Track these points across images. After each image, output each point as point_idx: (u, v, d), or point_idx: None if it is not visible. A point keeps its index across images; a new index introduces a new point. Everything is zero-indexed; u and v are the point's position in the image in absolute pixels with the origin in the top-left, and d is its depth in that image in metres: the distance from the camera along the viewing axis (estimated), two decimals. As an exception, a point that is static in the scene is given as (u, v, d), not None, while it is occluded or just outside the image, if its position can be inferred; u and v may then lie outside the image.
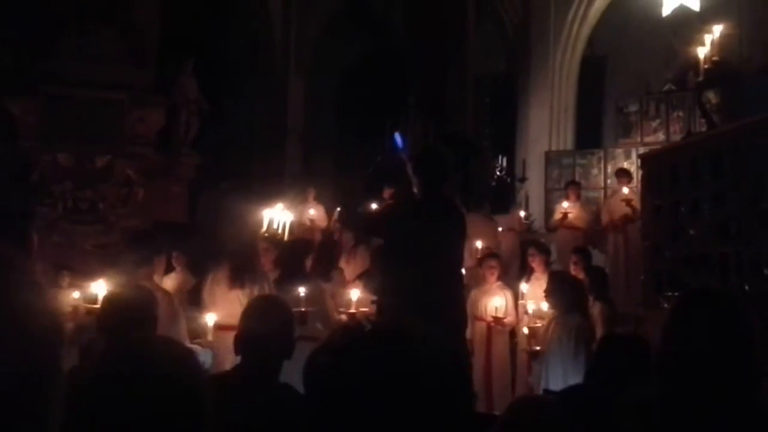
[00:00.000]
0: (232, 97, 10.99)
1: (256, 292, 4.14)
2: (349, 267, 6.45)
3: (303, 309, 4.13)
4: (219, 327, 3.94)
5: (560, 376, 4.12)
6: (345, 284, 5.36)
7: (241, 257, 4.42)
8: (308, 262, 4.90)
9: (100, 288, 3.51)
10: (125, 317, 2.61)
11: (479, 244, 6.52)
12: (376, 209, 6.14)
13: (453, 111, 11.90)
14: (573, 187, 8.63)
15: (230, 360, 2.95)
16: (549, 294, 4.41)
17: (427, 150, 4.75)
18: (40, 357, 0.73)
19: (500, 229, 7.75)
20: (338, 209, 7.32)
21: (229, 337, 2.57)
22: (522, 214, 9.19)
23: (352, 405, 0.93)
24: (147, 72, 8.09)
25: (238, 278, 4.29)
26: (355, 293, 4.44)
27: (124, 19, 7.90)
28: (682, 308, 1.72)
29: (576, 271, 5.45)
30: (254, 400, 2.24)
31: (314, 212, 8.45)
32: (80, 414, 1.10)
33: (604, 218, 8.14)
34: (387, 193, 9.73)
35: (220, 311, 4.12)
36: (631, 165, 9.01)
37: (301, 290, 4.28)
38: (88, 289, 3.63)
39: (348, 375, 0.94)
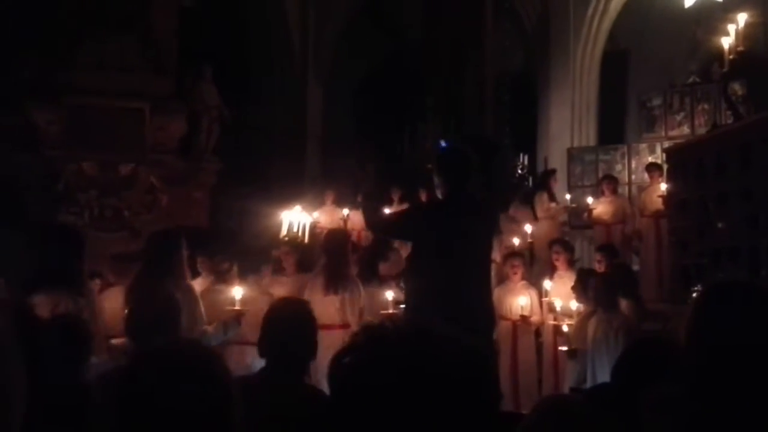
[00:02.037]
0: (251, 103, 11.06)
1: (347, 296, 4.75)
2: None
3: (390, 311, 4.51)
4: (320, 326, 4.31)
5: (608, 374, 4.02)
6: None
7: (334, 267, 4.90)
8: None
9: (237, 292, 3.93)
10: (150, 322, 2.64)
11: (516, 241, 6.53)
12: (394, 211, 6.16)
13: (472, 110, 11.83)
14: (607, 182, 8.52)
15: (326, 356, 3.35)
16: (589, 291, 4.34)
17: (449, 149, 4.72)
18: None
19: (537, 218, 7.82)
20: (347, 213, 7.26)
21: (326, 335, 3.50)
22: (567, 197, 9.09)
23: (375, 405, 0.91)
24: (167, 80, 8.15)
25: (332, 285, 4.80)
26: (390, 294, 4.62)
27: (143, 27, 7.97)
28: (705, 302, 1.67)
29: (600, 268, 5.39)
30: (279, 401, 2.24)
31: (318, 215, 8.32)
32: (111, 418, 1.11)
33: (637, 212, 8.09)
34: (395, 194, 9.72)
35: (318, 314, 4.44)
36: (656, 159, 8.87)
37: (389, 294, 4.62)
38: (228, 293, 4.01)
39: (370, 375, 0.92)
